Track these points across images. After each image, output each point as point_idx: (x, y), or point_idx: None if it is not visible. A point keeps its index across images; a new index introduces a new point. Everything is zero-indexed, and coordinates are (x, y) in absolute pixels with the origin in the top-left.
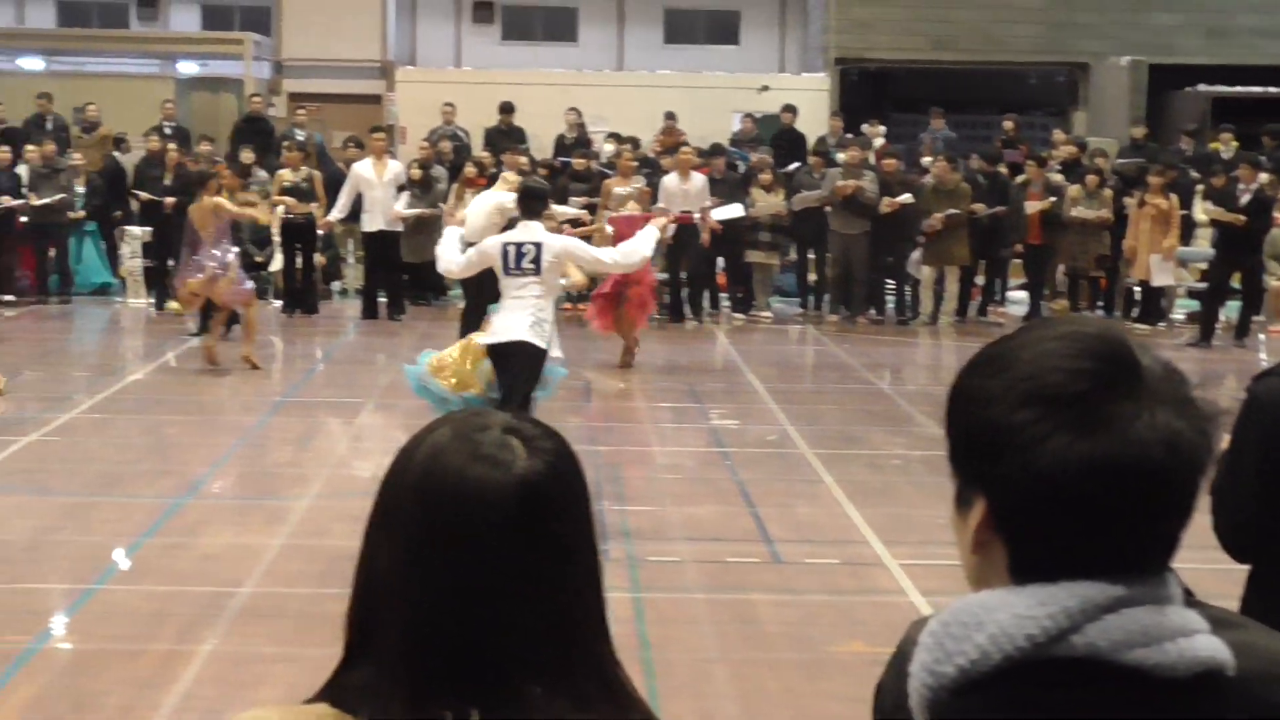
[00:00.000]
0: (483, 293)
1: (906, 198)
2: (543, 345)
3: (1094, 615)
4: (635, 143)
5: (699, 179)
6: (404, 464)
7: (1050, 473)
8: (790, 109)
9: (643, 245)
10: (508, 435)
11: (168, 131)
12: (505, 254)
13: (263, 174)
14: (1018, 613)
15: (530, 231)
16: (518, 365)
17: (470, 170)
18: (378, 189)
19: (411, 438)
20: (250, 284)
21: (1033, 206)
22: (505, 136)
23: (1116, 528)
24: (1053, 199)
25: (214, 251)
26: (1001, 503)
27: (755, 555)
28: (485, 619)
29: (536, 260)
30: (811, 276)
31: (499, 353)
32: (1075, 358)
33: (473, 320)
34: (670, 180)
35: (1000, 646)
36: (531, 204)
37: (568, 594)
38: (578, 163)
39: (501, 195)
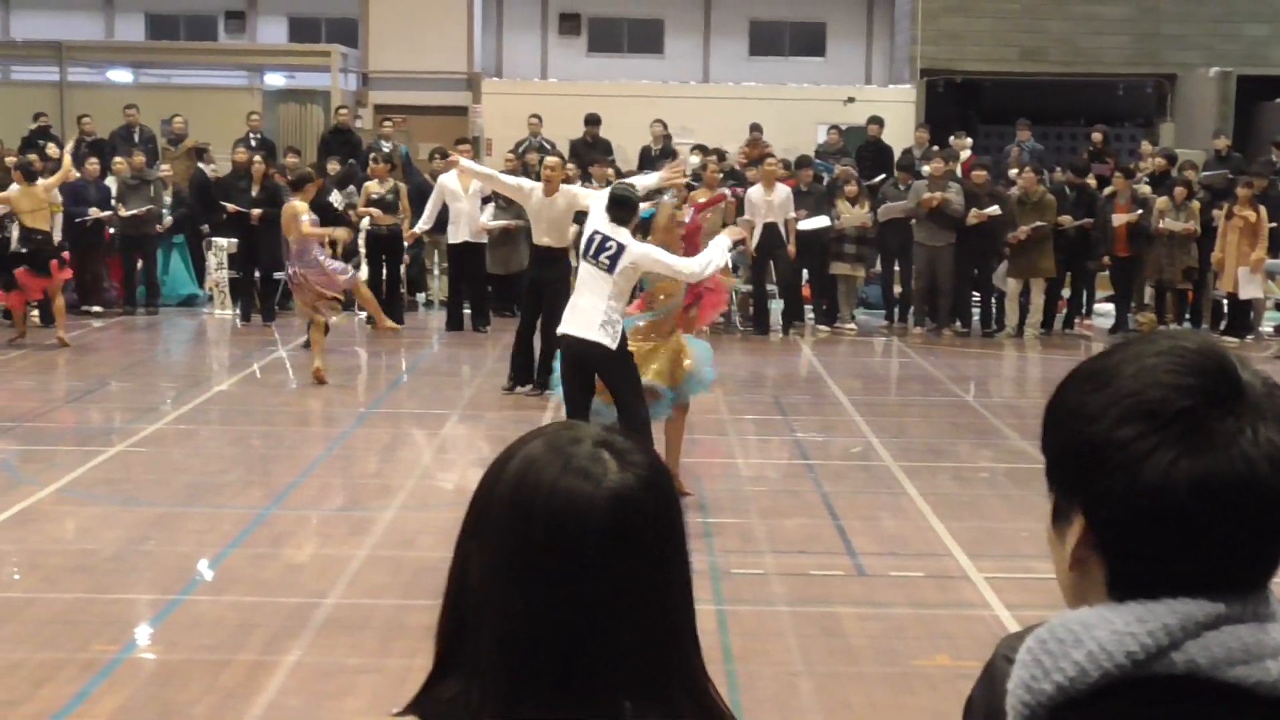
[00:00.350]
0: (534, 312)
1: (994, 210)
2: (612, 346)
3: (1194, 632)
4: (720, 154)
5: (784, 190)
6: (496, 476)
7: (1153, 489)
8: (876, 121)
9: (717, 255)
10: (599, 448)
11: (253, 143)
12: (590, 240)
13: (349, 185)
14: (1117, 630)
15: (618, 232)
16: (608, 373)
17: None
18: (463, 201)
19: (504, 450)
20: (345, 271)
21: (1119, 219)
22: (591, 148)
23: (1219, 545)
24: (1139, 211)
25: (305, 256)
26: (1102, 519)
27: (840, 568)
28: (578, 631)
29: (614, 259)
30: (896, 289)
31: (575, 353)
32: (1178, 373)
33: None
34: (755, 192)
35: (1099, 664)
36: (618, 211)
37: (660, 607)
38: None
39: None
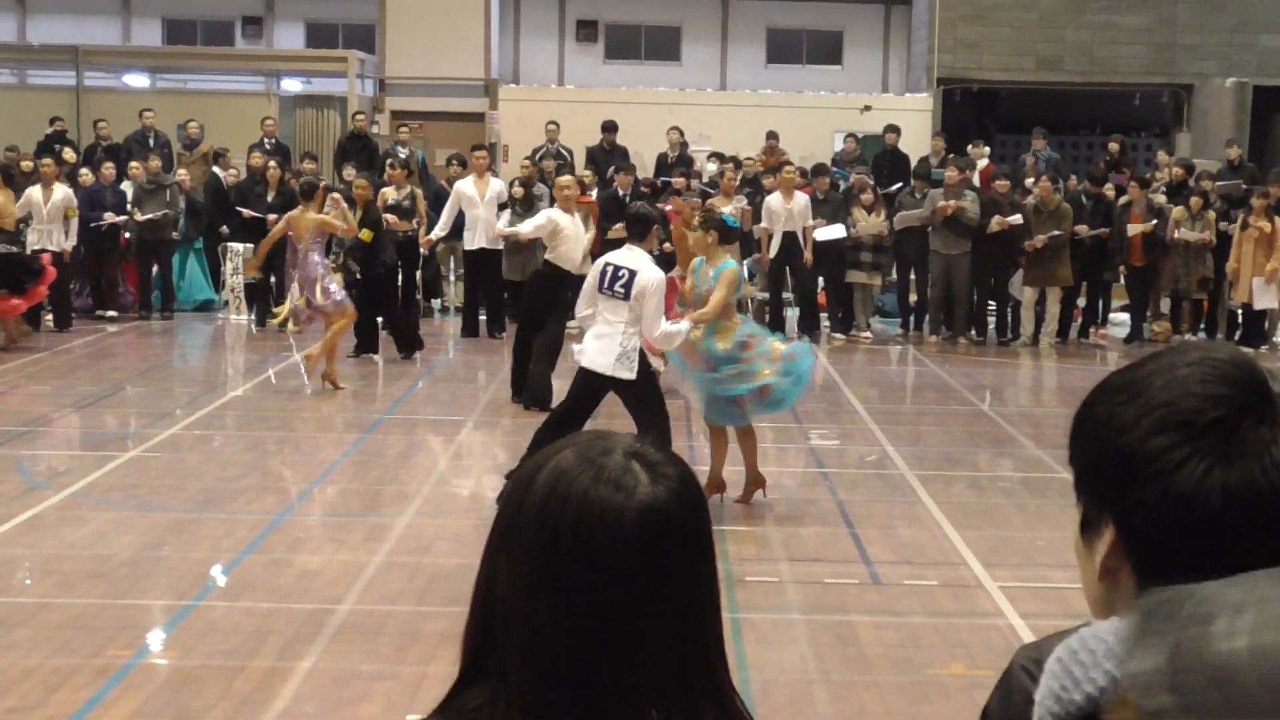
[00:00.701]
0: (535, 329)
1: (1016, 218)
2: (630, 378)
3: None
4: (737, 162)
5: (802, 199)
6: (526, 485)
7: (1186, 499)
8: (893, 129)
9: (677, 339)
10: (631, 460)
11: (269, 148)
12: (603, 274)
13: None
14: None
15: (631, 255)
16: (628, 399)
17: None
18: (480, 207)
19: (533, 460)
20: (336, 299)
21: (1134, 229)
22: (608, 155)
23: (1252, 554)
24: (1154, 221)
25: (306, 263)
26: (1135, 530)
27: (855, 576)
28: (604, 642)
29: (627, 287)
30: (912, 297)
31: (590, 381)
32: (1210, 383)
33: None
34: (774, 200)
35: None
36: (634, 227)
37: (687, 619)
38: (678, 182)
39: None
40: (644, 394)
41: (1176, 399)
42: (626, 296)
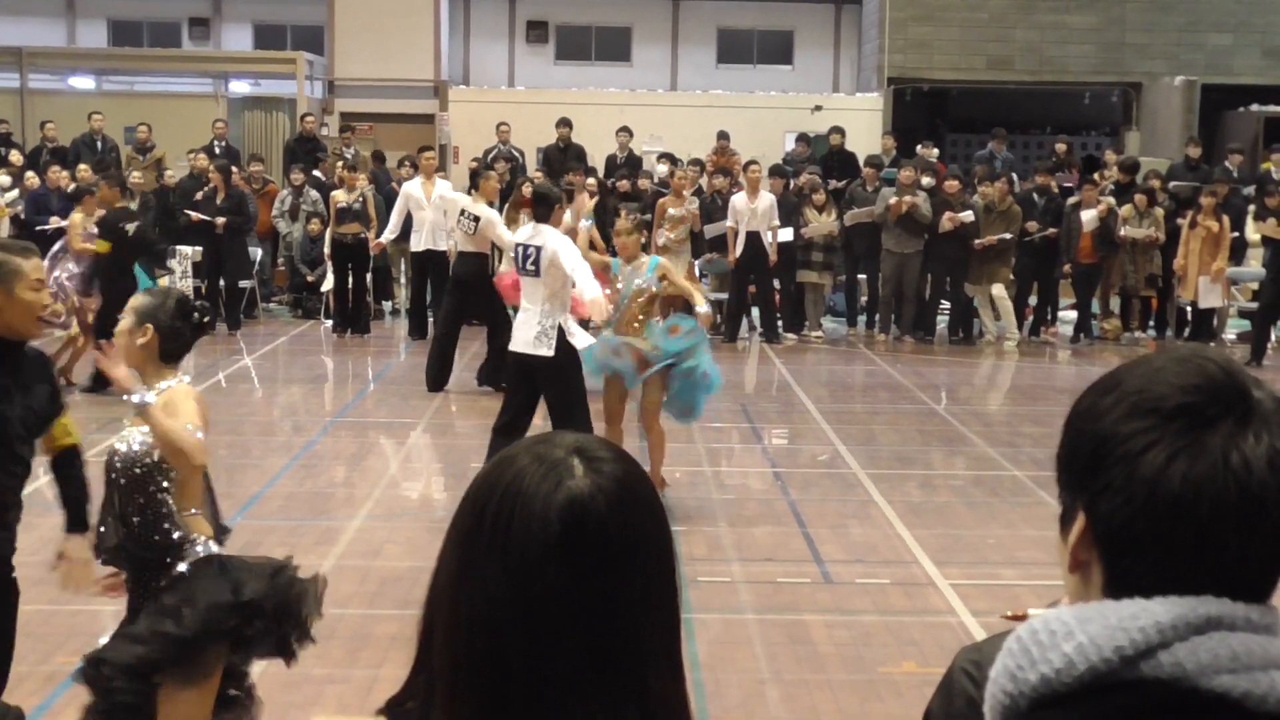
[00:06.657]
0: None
1: (967, 215)
2: (550, 354)
3: (1184, 634)
4: (699, 164)
5: (767, 198)
6: (475, 477)
7: (1150, 482)
8: (838, 131)
9: (591, 293)
10: (572, 455)
11: (217, 151)
12: (516, 254)
13: (314, 194)
14: (1110, 624)
15: (537, 233)
16: (545, 385)
17: (526, 191)
18: (427, 209)
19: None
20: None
21: (1089, 214)
22: (563, 154)
23: (1214, 545)
24: (1110, 199)
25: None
26: (1101, 514)
27: (807, 576)
28: (515, 634)
29: (537, 263)
30: (863, 298)
31: (519, 366)
32: (1185, 375)
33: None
34: (738, 199)
35: (1087, 656)
36: (537, 208)
37: (610, 618)
38: (622, 184)
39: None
40: (569, 390)
41: (1149, 386)
42: (538, 273)
